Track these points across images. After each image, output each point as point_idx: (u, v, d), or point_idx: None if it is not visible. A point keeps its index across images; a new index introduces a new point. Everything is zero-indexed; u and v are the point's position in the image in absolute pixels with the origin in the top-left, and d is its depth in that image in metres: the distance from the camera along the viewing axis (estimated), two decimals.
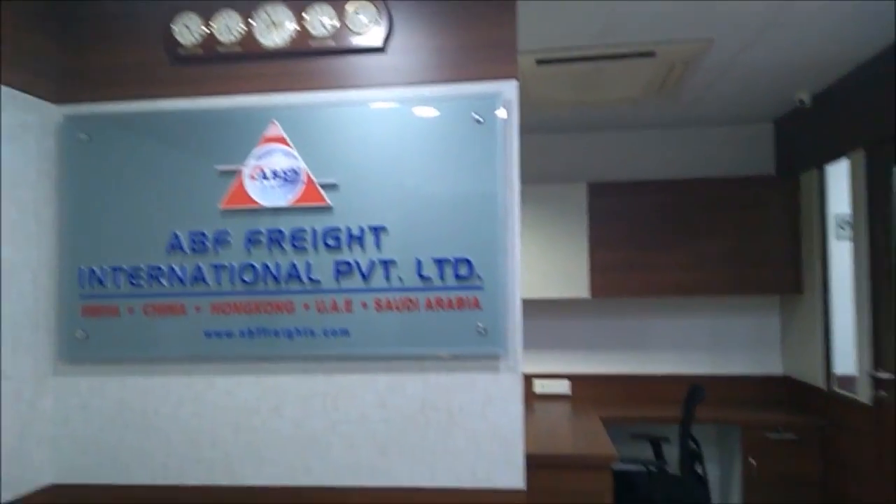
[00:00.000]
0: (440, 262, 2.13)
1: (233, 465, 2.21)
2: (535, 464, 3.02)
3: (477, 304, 2.12)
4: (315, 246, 2.19)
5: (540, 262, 4.16)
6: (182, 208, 2.24)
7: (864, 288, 3.32)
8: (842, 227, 3.72)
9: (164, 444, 2.23)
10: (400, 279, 2.15)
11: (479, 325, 2.11)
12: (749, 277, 4.06)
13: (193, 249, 2.22)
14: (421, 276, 2.14)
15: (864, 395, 3.31)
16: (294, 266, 2.19)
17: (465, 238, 2.13)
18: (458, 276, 2.13)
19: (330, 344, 2.18)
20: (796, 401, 4.12)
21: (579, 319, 4.51)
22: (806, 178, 3.97)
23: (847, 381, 3.56)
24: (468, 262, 2.12)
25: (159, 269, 2.24)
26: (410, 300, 2.15)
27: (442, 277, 2.13)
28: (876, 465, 3.19)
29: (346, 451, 2.16)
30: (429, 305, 2.14)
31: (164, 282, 2.23)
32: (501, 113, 2.12)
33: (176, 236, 2.23)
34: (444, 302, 2.13)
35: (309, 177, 2.18)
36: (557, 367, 4.51)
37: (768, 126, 4.42)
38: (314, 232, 2.18)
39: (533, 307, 4.14)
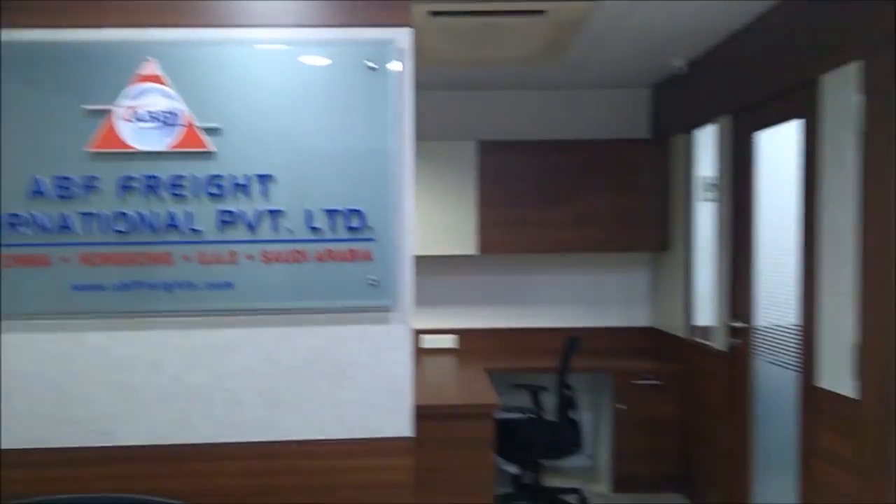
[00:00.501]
0: (331, 213, 2.09)
1: (106, 424, 2.09)
2: (422, 414, 3.08)
3: (368, 257, 2.10)
4: (196, 194, 2.07)
5: (429, 218, 4.19)
6: (44, 151, 2.04)
7: (726, 246, 3.61)
8: (707, 190, 4.01)
9: (28, 406, 2.07)
10: (289, 230, 2.09)
11: (371, 277, 2.10)
12: (623, 236, 4.30)
13: (59, 196, 2.04)
14: (311, 227, 2.09)
15: (720, 342, 3.63)
16: (172, 215, 2.07)
17: (356, 189, 2.09)
18: (349, 228, 2.10)
19: (213, 297, 2.09)
20: (661, 350, 4.45)
21: (467, 276, 4.61)
22: (676, 142, 4.23)
23: (705, 331, 3.88)
24: (360, 213, 2.09)
25: (18, 216, 2.04)
26: (299, 252, 2.10)
27: (333, 229, 2.09)
28: (729, 404, 3.53)
29: (231, 406, 2.11)
30: (319, 257, 2.10)
31: (26, 230, 2.04)
32: (395, 65, 2.08)
33: (37, 182, 2.04)
34: (334, 254, 2.10)
35: (189, 120, 2.05)
36: (445, 323, 4.60)
37: (647, 91, 4.65)
38: (195, 179, 2.07)
39: (421, 264, 4.16)
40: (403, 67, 2.09)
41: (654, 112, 4.64)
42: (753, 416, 3.35)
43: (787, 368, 3.04)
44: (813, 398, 2.78)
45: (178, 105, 2.05)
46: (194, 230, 2.07)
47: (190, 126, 2.05)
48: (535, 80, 4.39)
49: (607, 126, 4.62)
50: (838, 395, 2.57)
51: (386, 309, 2.12)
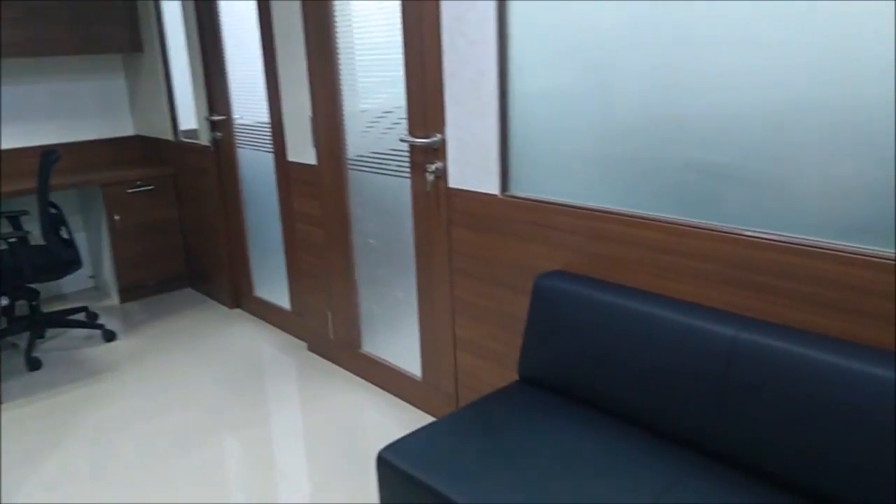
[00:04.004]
0: None
1: None
2: None
3: None
4: None
5: None
6: None
7: (195, 43, 3.66)
8: None
9: None
10: None
11: None
12: (85, 35, 3.92)
13: None
14: None
15: (204, 138, 3.81)
16: None
17: None
18: None
19: None
20: (150, 156, 4.42)
21: None
22: None
23: (192, 133, 4.00)
24: None
25: None
26: None
27: None
28: (218, 192, 3.82)
29: None
30: None
31: None
32: None
33: None
34: None
35: None
36: None
37: None
38: None
39: None
40: None
41: None
42: (244, 199, 3.72)
43: (265, 152, 3.43)
44: (286, 171, 3.24)
45: None
46: None
47: None
48: None
49: None
50: (304, 164, 3.06)
51: None
